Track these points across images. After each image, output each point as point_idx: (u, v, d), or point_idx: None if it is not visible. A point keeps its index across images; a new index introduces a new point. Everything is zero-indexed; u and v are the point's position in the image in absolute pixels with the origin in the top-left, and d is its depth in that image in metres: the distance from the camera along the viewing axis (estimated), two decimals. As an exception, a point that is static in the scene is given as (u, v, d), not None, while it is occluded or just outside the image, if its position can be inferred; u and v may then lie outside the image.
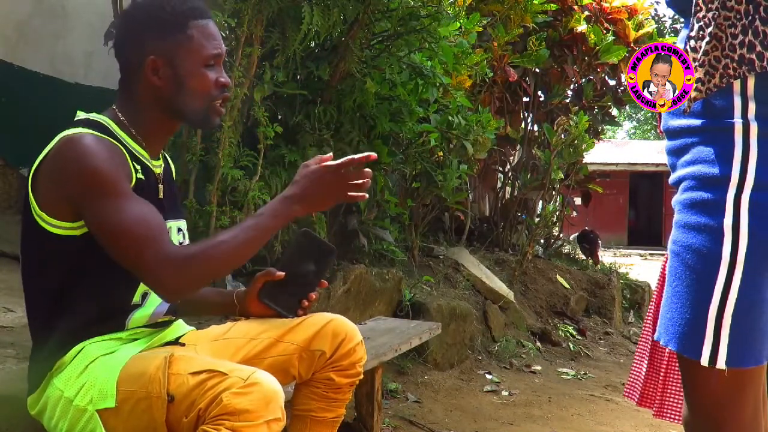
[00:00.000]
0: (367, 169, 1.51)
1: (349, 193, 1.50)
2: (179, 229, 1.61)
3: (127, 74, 1.52)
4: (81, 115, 1.50)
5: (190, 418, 1.29)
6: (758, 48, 1.20)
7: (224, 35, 1.93)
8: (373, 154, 1.50)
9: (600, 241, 7.79)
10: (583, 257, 7.16)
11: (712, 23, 1.22)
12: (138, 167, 1.48)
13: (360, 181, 1.50)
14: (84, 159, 1.36)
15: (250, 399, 1.25)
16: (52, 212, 1.39)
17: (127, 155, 1.45)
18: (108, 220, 1.34)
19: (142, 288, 1.49)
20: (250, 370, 1.31)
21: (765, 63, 1.20)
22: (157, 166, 1.57)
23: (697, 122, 1.26)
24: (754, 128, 1.21)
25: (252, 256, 1.46)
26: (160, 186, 1.56)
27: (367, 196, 1.53)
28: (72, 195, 1.37)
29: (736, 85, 1.22)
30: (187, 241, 1.63)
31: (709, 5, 1.22)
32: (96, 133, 1.42)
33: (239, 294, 1.71)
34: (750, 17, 1.21)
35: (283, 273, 1.65)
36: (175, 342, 1.58)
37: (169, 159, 1.70)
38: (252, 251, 1.44)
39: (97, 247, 1.39)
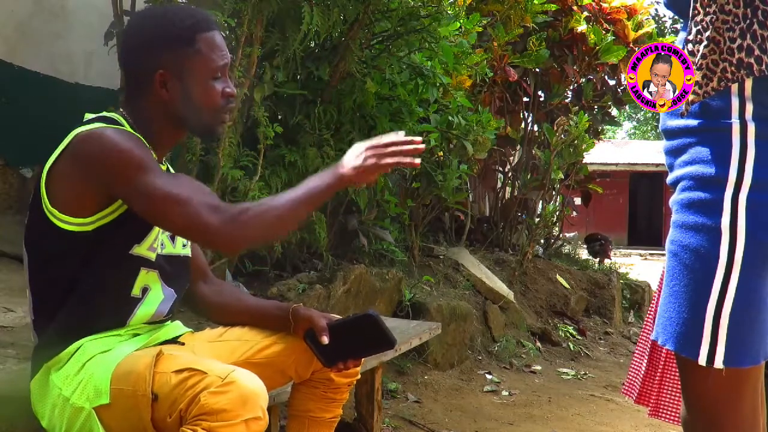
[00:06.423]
0: (417, 138, 1.51)
1: (394, 160, 1.48)
2: (173, 237, 1.57)
3: (134, 86, 1.53)
4: (90, 116, 1.51)
5: (173, 418, 1.30)
6: (756, 52, 1.20)
7: (224, 35, 1.93)
8: (421, 146, 1.50)
9: (611, 248, 7.80)
10: (584, 257, 7.16)
11: (710, 27, 1.22)
12: None
13: (407, 148, 1.49)
14: (109, 146, 1.38)
15: (228, 398, 1.25)
16: (68, 209, 1.41)
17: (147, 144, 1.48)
18: (148, 191, 1.37)
19: (141, 280, 1.49)
20: (228, 369, 1.31)
21: (763, 67, 1.20)
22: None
23: (694, 123, 1.26)
24: (751, 128, 1.21)
25: (304, 217, 1.51)
26: None
27: (418, 162, 1.51)
28: (102, 184, 1.39)
29: (734, 86, 1.23)
30: (186, 248, 1.61)
31: (707, 9, 1.22)
32: (114, 126, 1.44)
33: (295, 313, 1.63)
34: (748, 21, 1.21)
35: (327, 340, 1.56)
36: (173, 341, 1.58)
37: (168, 165, 1.70)
38: (304, 211, 1.46)
39: (105, 241, 1.42)
